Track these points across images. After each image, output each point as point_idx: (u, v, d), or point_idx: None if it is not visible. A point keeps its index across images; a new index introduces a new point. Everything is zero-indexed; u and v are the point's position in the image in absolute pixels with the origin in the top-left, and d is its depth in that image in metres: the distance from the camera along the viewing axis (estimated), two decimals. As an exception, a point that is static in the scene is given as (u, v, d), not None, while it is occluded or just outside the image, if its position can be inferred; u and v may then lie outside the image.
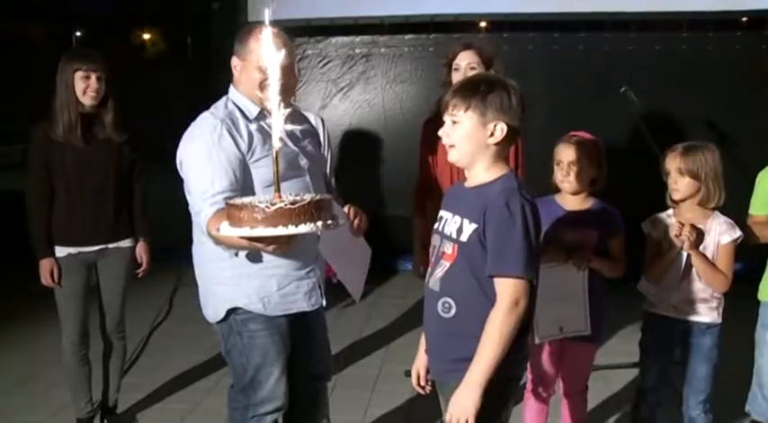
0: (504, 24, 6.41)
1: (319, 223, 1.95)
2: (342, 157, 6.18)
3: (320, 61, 6.52)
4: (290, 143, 2.61)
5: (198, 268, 2.67)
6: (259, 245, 2.10)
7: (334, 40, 6.55)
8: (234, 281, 2.55)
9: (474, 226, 2.08)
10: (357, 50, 6.55)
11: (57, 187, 3.36)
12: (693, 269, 2.88)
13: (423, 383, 2.34)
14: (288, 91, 2.49)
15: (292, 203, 1.91)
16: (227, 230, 1.98)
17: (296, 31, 6.44)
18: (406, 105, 6.49)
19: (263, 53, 2.36)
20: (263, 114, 2.54)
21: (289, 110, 2.46)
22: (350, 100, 6.57)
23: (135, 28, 27.49)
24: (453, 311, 2.14)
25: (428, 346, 2.29)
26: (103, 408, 3.72)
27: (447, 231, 2.18)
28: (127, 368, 4.11)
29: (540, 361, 3.01)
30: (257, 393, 2.63)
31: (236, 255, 2.53)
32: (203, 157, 2.42)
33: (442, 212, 2.26)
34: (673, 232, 2.83)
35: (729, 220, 2.91)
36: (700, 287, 2.89)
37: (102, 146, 3.38)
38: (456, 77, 3.41)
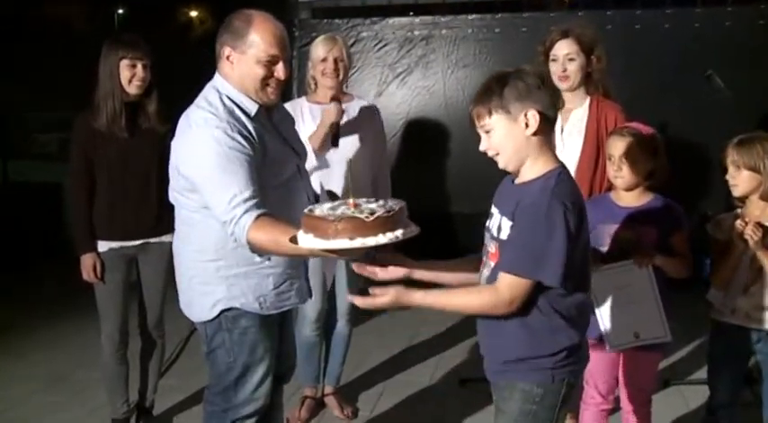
0: (578, 1, 6.44)
1: (402, 230, 2.11)
2: (399, 149, 6.32)
3: (376, 44, 6.64)
4: (286, 143, 2.75)
5: (182, 266, 2.78)
6: (332, 255, 2.19)
7: (391, 21, 6.65)
8: (229, 281, 2.67)
9: (510, 223, 2.21)
10: (416, 32, 6.65)
11: (98, 179, 3.56)
12: (762, 271, 2.91)
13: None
14: (282, 85, 2.66)
15: (388, 211, 2.08)
16: (316, 243, 2.09)
17: (350, 12, 6.62)
18: (469, 92, 6.53)
19: (267, 47, 2.56)
20: (261, 112, 2.65)
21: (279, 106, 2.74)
22: (408, 86, 6.65)
23: (181, 5, 28.11)
24: None
25: (481, 347, 2.44)
26: (140, 408, 3.94)
27: (492, 229, 2.32)
28: (165, 369, 4.34)
29: (595, 368, 3.07)
30: (239, 395, 2.74)
31: (269, 259, 2.65)
32: (222, 162, 2.48)
33: (492, 209, 2.39)
34: (737, 231, 2.87)
35: None
36: None
37: (145, 136, 3.57)
38: (554, 69, 3.44)
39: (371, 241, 2.05)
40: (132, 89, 3.52)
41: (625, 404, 3.17)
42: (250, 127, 2.59)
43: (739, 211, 3.02)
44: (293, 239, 2.20)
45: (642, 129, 3.01)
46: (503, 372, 2.32)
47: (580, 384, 3.22)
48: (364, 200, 2.18)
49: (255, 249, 2.50)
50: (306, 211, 2.17)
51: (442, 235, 5.29)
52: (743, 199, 2.99)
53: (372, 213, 2.05)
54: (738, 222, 2.89)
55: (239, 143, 2.51)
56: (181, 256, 2.80)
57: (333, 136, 3.67)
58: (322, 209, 2.16)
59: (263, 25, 2.59)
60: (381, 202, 2.15)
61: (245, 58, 2.60)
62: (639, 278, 2.95)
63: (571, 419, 3.64)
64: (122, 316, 3.69)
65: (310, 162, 3.55)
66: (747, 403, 3.20)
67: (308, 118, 3.76)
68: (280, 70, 2.63)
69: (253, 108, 2.64)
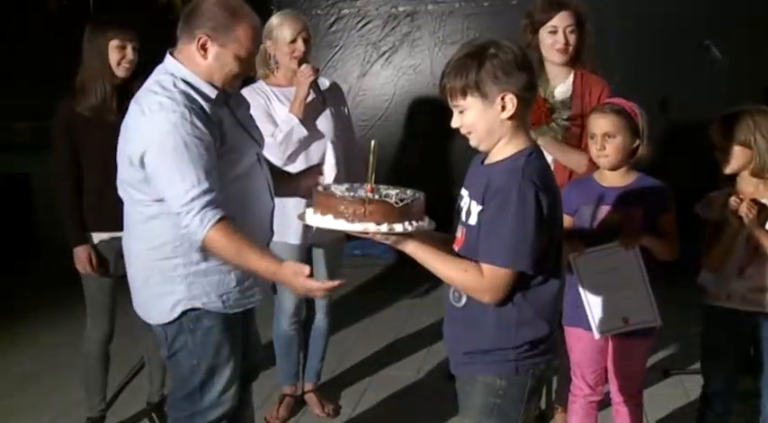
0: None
1: (428, 220, 2.23)
2: (385, 132, 6.32)
3: (358, 22, 6.61)
4: (245, 130, 2.75)
5: (135, 266, 2.72)
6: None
7: (374, -4, 6.66)
8: (189, 279, 2.63)
9: (479, 208, 2.20)
10: (401, 8, 6.62)
11: (85, 167, 3.55)
12: (760, 250, 2.88)
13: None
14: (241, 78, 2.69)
15: (413, 199, 2.16)
16: (334, 224, 2.15)
17: (330, -13, 6.61)
18: (457, 71, 6.55)
19: (249, 45, 2.59)
20: (220, 97, 2.63)
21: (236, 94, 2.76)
22: (393, 66, 6.64)
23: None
24: (464, 301, 2.30)
25: (445, 337, 2.43)
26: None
27: (461, 212, 2.31)
28: (139, 369, 4.31)
29: (582, 357, 3.09)
30: (205, 398, 2.72)
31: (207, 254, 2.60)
32: (180, 149, 2.45)
33: (462, 191, 2.37)
34: (731, 209, 2.84)
35: None
36: None
37: None
38: (550, 41, 3.42)
39: (399, 228, 2.13)
40: (120, 72, 3.51)
41: (615, 395, 3.16)
42: (209, 111, 2.57)
43: (729, 190, 2.98)
44: (301, 217, 2.25)
45: (625, 104, 2.98)
46: (465, 364, 2.32)
47: (568, 377, 3.24)
48: (383, 186, 2.24)
49: (208, 249, 2.50)
50: (320, 188, 2.23)
51: (430, 217, 5.31)
52: (731, 176, 2.96)
53: (402, 200, 2.13)
54: (733, 199, 2.85)
55: (198, 128, 2.49)
56: (133, 255, 2.73)
57: (318, 95, 3.69)
58: (339, 189, 2.22)
59: (249, 21, 2.60)
60: (398, 190, 2.21)
61: (225, 52, 2.59)
62: (626, 260, 2.92)
63: (560, 413, 3.65)
64: (111, 310, 3.71)
65: (299, 133, 3.61)
66: (748, 392, 3.18)
67: (277, 105, 3.71)
68: (253, 67, 2.70)
69: (212, 92, 2.61)
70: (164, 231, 2.60)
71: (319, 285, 2.47)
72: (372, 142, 2.17)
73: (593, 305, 2.98)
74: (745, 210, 2.82)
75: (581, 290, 2.97)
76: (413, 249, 2.20)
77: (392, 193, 2.19)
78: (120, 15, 3.61)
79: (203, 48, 2.58)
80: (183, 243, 2.59)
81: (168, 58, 2.65)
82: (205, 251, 2.56)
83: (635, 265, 2.93)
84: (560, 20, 3.43)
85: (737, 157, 2.91)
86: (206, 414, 2.75)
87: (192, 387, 2.73)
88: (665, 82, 5.84)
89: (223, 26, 2.56)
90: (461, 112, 2.22)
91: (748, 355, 3.09)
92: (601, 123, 2.95)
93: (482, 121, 2.20)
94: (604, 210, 2.96)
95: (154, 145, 2.49)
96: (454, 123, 2.26)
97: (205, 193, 2.45)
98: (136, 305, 2.79)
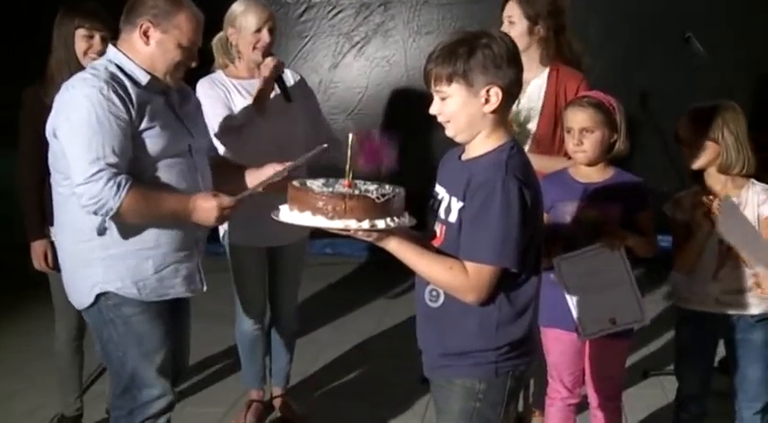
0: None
1: (408, 217, 2.19)
2: (356, 125, 6.25)
3: (330, 11, 6.56)
4: (179, 119, 2.82)
5: (62, 250, 2.84)
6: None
7: (346, -16, 6.62)
8: (105, 262, 2.70)
9: (460, 205, 2.18)
10: (373, -3, 6.61)
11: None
12: (732, 252, 2.87)
13: None
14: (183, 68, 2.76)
15: (393, 194, 2.13)
16: (311, 221, 2.11)
17: (299, -25, 6.55)
18: (433, 62, 6.53)
19: (191, 34, 2.69)
20: (154, 84, 2.72)
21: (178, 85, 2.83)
22: (366, 57, 6.60)
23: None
24: (441, 300, 2.26)
25: (419, 340, 2.40)
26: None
27: (439, 210, 2.27)
28: (98, 375, 4.27)
29: (560, 359, 3.08)
30: (142, 392, 2.74)
31: (103, 233, 2.68)
32: (92, 122, 2.56)
33: (436, 187, 2.35)
34: (702, 210, 2.85)
35: None
36: (745, 272, 2.88)
37: None
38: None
39: (381, 224, 2.09)
40: (87, 62, 3.43)
41: (593, 398, 3.15)
42: (132, 92, 2.65)
43: (698, 189, 2.98)
44: (275, 214, 2.23)
45: (602, 98, 2.97)
46: (442, 367, 2.29)
47: (545, 379, 3.22)
48: (360, 181, 2.21)
49: (123, 216, 2.58)
50: (296, 183, 2.19)
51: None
52: (697, 174, 2.96)
53: (383, 195, 2.10)
54: (706, 197, 2.86)
55: (114, 105, 2.59)
56: (59, 239, 2.85)
57: (283, 92, 3.61)
58: (316, 184, 2.18)
59: (191, 10, 2.73)
60: (377, 185, 2.18)
61: (167, 39, 2.71)
62: (612, 261, 2.92)
63: (537, 416, 3.64)
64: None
65: (264, 131, 3.53)
66: (724, 393, 3.19)
67: (238, 98, 3.62)
68: (195, 57, 2.76)
69: (143, 77, 2.71)
70: (80, 213, 2.63)
71: (229, 201, 2.67)
72: (350, 135, 2.15)
73: (579, 307, 2.97)
74: (716, 208, 2.81)
75: (566, 293, 2.96)
76: (395, 246, 2.17)
77: (371, 188, 2.16)
78: (91, 3, 3.57)
79: (145, 34, 2.70)
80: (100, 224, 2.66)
81: (110, 47, 2.78)
82: (124, 221, 2.62)
83: (621, 265, 2.92)
84: (506, 11, 3.49)
85: (705, 153, 2.91)
86: (147, 408, 2.77)
87: (126, 382, 2.77)
88: (646, 75, 5.86)
89: (165, 13, 2.69)
90: (443, 99, 2.20)
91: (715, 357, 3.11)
92: (578, 117, 2.93)
93: (463, 111, 2.18)
94: (581, 206, 2.94)
95: (67, 116, 2.63)
96: (433, 110, 2.24)
97: (111, 166, 2.53)
98: (67, 292, 2.86)
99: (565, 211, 2.96)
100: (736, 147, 2.86)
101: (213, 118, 3.49)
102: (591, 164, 2.96)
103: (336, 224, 2.09)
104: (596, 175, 2.98)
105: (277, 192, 2.90)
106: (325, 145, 2.97)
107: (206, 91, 3.57)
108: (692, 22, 5.14)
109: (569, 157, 3.05)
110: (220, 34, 3.65)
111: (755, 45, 5.91)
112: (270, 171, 2.92)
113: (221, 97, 3.58)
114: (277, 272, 3.88)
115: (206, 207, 2.67)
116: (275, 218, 2.23)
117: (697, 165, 2.93)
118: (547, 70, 3.46)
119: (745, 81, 5.74)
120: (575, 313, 2.97)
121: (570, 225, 2.93)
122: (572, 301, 2.97)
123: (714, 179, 2.93)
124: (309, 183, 2.21)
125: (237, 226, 3.64)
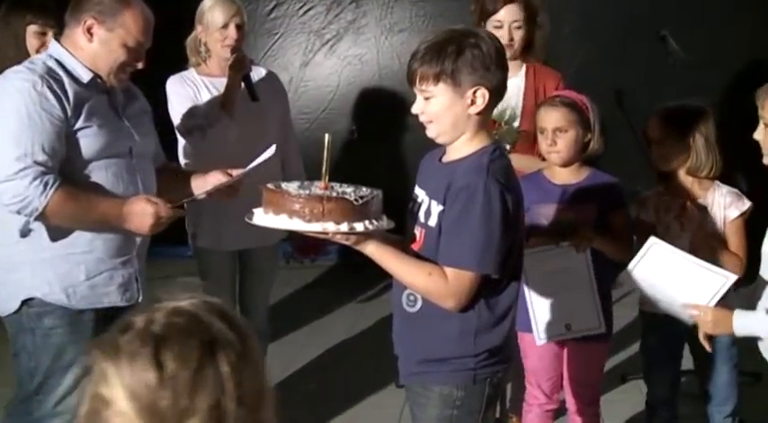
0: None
1: (386, 220, 2.19)
2: (329, 125, 6.23)
3: (300, 8, 6.52)
4: (122, 120, 2.74)
5: None
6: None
7: (316, -19, 6.58)
8: (33, 266, 2.61)
9: (440, 208, 2.16)
10: (345, -6, 6.58)
11: None
12: (699, 255, 2.81)
13: None
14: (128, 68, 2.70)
15: (371, 196, 2.12)
16: (288, 224, 2.09)
17: (269, -29, 6.51)
18: (405, 60, 6.48)
19: (137, 34, 2.62)
20: (95, 83, 2.64)
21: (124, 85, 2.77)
22: (337, 55, 6.56)
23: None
24: (419, 305, 2.25)
25: (395, 345, 2.38)
26: None
27: (419, 213, 2.26)
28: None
29: (538, 364, 3.08)
30: (42, 407, 2.66)
31: (27, 235, 2.60)
32: (21, 116, 2.48)
33: (416, 190, 2.34)
34: (673, 212, 2.88)
35: (734, 190, 2.94)
36: None
37: None
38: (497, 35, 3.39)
39: (360, 227, 2.08)
40: None
41: (571, 404, 3.15)
42: (70, 90, 2.58)
43: (662, 188, 3.02)
44: (249, 217, 2.19)
45: (575, 97, 2.97)
46: (419, 373, 2.28)
47: (522, 384, 3.22)
48: (336, 183, 2.19)
49: (49, 216, 2.49)
50: (270, 186, 2.16)
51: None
52: (664, 175, 2.98)
53: (361, 197, 2.08)
54: (675, 203, 2.89)
55: (47, 101, 2.51)
56: None
57: (249, 91, 3.56)
58: (292, 186, 2.16)
59: (139, 9, 2.65)
60: (354, 187, 2.17)
61: (111, 37, 2.62)
62: (576, 263, 2.91)
63: (515, 421, 3.64)
64: None
65: (233, 132, 3.48)
66: (694, 395, 3.21)
67: (207, 96, 3.58)
68: (142, 58, 2.69)
69: (85, 75, 2.64)
70: (4, 214, 2.56)
71: (167, 209, 2.58)
72: (327, 136, 2.15)
73: (537, 308, 2.96)
74: (692, 212, 2.84)
75: (525, 290, 2.92)
76: (373, 250, 2.15)
77: (348, 190, 2.14)
78: None
79: (89, 31, 2.62)
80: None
81: (53, 42, 2.70)
82: (31, 231, 2.56)
83: (584, 267, 2.92)
84: (507, 14, 3.36)
85: (675, 155, 2.92)
86: None
87: (28, 393, 2.69)
88: (620, 74, 5.88)
89: (110, 10, 2.61)
90: (427, 98, 2.18)
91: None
92: (551, 117, 2.92)
93: (448, 112, 2.17)
94: (558, 208, 2.94)
95: None
96: (416, 109, 2.22)
97: (39, 164, 2.45)
98: None
99: (540, 213, 2.95)
100: (706, 149, 2.88)
101: (178, 116, 3.45)
102: (565, 164, 2.96)
103: (314, 227, 2.07)
104: (572, 176, 2.98)
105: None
106: (273, 149, 2.93)
107: (175, 88, 3.54)
108: (667, 20, 5.16)
109: (544, 159, 3.03)
110: (194, 33, 3.62)
111: (730, 44, 5.96)
112: (214, 179, 2.86)
113: (189, 95, 3.54)
114: (248, 275, 3.85)
115: (140, 213, 2.57)
116: (249, 221, 2.20)
117: (666, 166, 2.95)
118: (523, 68, 3.45)
119: (720, 80, 5.77)
120: (532, 314, 2.96)
121: (546, 227, 2.91)
122: (530, 300, 2.95)
123: (682, 181, 2.95)
124: (285, 185, 2.19)
125: (205, 229, 3.60)
